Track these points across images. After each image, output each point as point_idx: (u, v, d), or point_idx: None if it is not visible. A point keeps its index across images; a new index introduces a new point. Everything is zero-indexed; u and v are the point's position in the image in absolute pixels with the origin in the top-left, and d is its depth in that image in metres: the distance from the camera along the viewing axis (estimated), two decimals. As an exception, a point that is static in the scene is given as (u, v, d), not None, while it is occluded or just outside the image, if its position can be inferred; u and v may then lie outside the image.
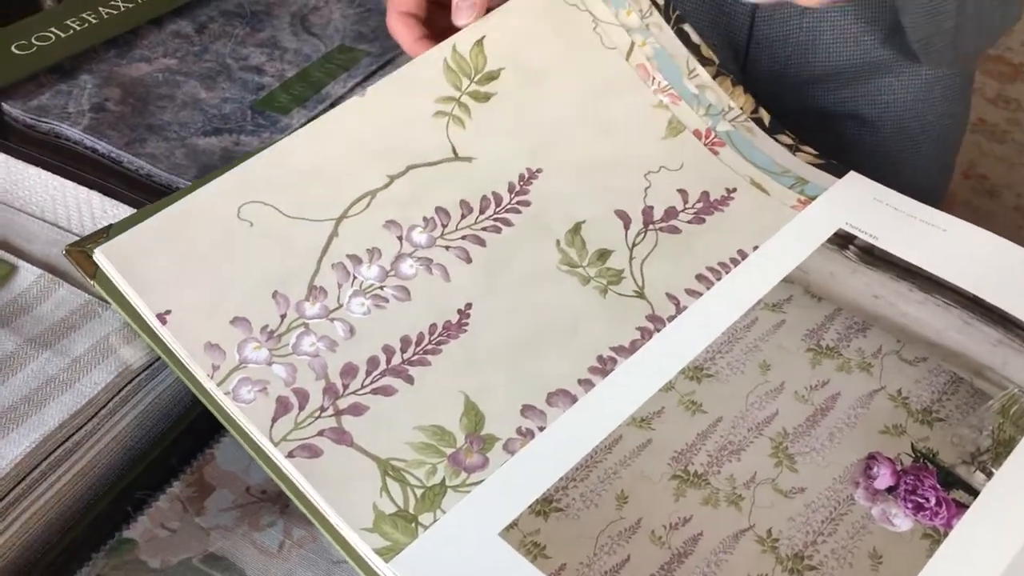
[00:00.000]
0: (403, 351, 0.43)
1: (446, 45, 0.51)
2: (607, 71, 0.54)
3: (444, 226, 0.47)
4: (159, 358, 0.44)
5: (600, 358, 0.44)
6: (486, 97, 0.51)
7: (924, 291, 0.48)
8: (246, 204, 0.45)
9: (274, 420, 0.41)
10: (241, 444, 0.41)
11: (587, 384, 0.44)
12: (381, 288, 0.45)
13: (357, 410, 0.42)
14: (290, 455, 0.40)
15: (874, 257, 0.49)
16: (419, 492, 0.40)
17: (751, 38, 0.68)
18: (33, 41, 0.63)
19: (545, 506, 0.40)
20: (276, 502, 0.44)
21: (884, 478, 0.41)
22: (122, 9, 0.66)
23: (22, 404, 0.41)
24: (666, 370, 0.44)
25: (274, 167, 0.46)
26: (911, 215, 0.51)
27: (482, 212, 0.48)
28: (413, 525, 0.39)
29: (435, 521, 0.39)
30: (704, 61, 0.55)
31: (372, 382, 0.42)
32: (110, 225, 0.46)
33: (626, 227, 0.49)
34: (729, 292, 0.47)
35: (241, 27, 0.69)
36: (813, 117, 0.63)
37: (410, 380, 0.43)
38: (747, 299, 0.47)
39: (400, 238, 0.46)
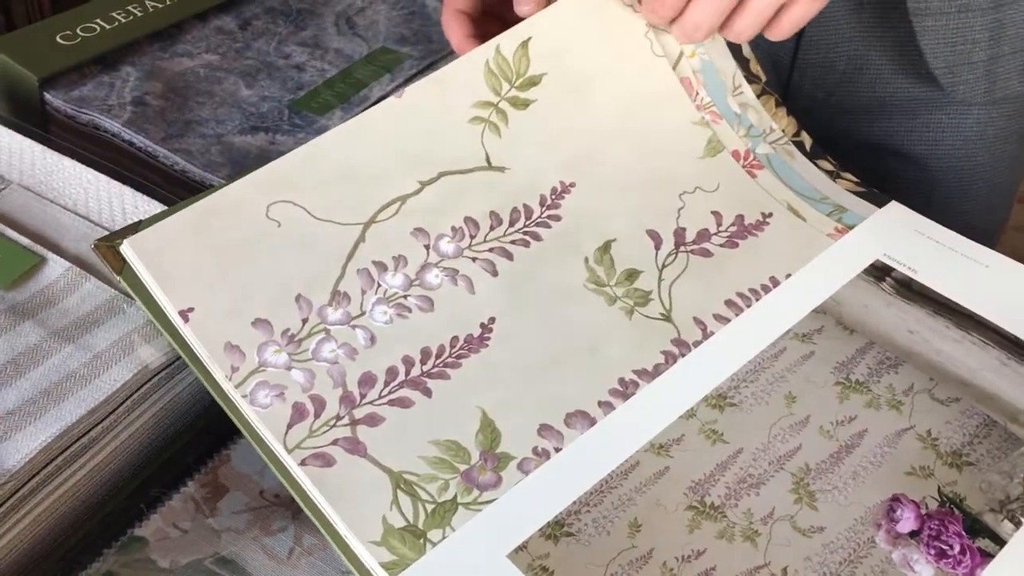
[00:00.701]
0: (423, 363, 0.43)
1: (490, 45, 0.50)
2: (652, 82, 0.53)
3: (472, 237, 0.47)
4: (179, 357, 0.44)
5: (622, 380, 0.44)
6: (525, 104, 0.50)
7: (961, 328, 0.46)
8: (275, 203, 0.45)
9: (289, 427, 0.40)
10: (255, 448, 0.41)
11: (607, 407, 0.43)
12: (405, 297, 0.44)
13: (373, 421, 0.41)
14: (303, 463, 0.40)
15: (911, 291, 0.48)
16: (430, 507, 0.39)
17: (795, 62, 0.66)
18: (78, 32, 0.63)
19: (556, 530, 0.39)
20: (289, 507, 0.44)
21: (907, 521, 0.40)
22: (167, 3, 0.67)
23: (41, 398, 0.41)
24: (688, 397, 0.43)
25: (306, 166, 0.46)
26: (952, 249, 0.49)
27: (511, 224, 0.47)
28: (421, 541, 0.38)
29: (444, 538, 0.39)
30: (751, 78, 0.54)
31: (390, 393, 0.42)
32: (139, 221, 0.46)
33: (657, 247, 0.48)
34: (758, 320, 0.46)
35: (285, 25, 0.69)
36: (855, 148, 0.61)
37: (428, 393, 0.42)
38: (776, 328, 0.46)
39: (427, 247, 0.46)
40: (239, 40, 0.67)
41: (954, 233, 0.50)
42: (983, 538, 0.39)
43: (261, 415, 0.40)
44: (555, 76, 0.51)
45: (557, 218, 0.48)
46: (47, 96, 0.60)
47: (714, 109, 0.53)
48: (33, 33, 0.63)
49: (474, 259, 0.46)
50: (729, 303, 0.47)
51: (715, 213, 0.50)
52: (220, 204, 0.45)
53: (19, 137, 0.53)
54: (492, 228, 0.47)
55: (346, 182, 0.46)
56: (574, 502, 0.40)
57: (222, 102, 0.62)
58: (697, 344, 0.45)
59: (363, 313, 0.44)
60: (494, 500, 0.40)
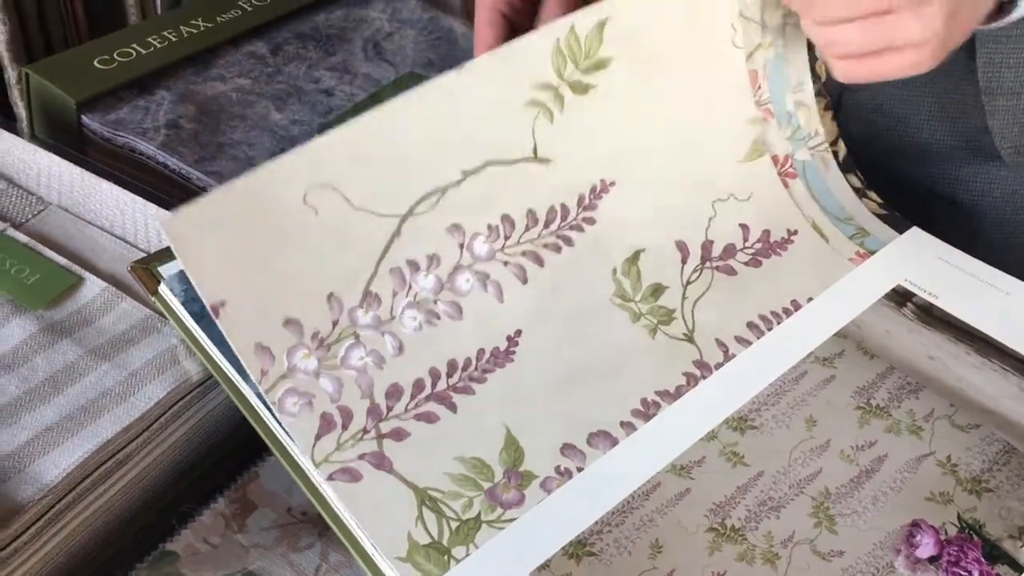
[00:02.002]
0: (449, 376, 0.43)
1: (565, 23, 0.46)
2: (720, 75, 0.51)
3: (507, 238, 0.46)
4: (212, 376, 0.45)
5: (644, 401, 0.44)
6: (585, 89, 0.47)
7: (982, 355, 0.46)
8: (314, 188, 0.42)
9: (317, 438, 0.41)
10: (283, 464, 0.42)
11: (629, 427, 0.43)
12: (435, 303, 0.44)
13: (399, 435, 0.42)
14: (330, 478, 0.40)
15: (932, 317, 0.48)
16: (454, 525, 0.40)
17: (841, 102, 0.65)
18: (115, 56, 0.65)
19: (578, 549, 0.40)
20: (316, 525, 0.45)
21: (927, 547, 0.40)
22: (202, 28, 0.68)
23: (79, 414, 0.43)
24: (710, 420, 0.44)
25: (350, 146, 0.43)
26: (974, 276, 0.50)
27: (546, 226, 0.47)
28: (446, 558, 0.39)
29: (468, 555, 0.39)
30: (816, 76, 0.53)
31: (416, 407, 0.42)
32: (173, 244, 0.47)
33: (683, 261, 0.48)
34: (780, 344, 0.47)
35: (315, 50, 0.70)
36: (899, 193, 0.60)
37: (453, 408, 0.43)
38: (797, 352, 0.46)
39: (461, 246, 0.45)
40: (270, 65, 0.68)
41: (975, 260, 0.51)
42: (1002, 564, 0.39)
43: (289, 424, 0.40)
44: (623, 61, 0.48)
45: (592, 220, 0.47)
46: (84, 119, 0.62)
47: (770, 107, 0.52)
48: (71, 57, 0.65)
49: (506, 263, 0.46)
50: (751, 325, 0.47)
51: (743, 226, 0.50)
52: (257, 186, 0.41)
53: (58, 159, 0.55)
54: (527, 228, 0.46)
55: (388, 166, 0.44)
56: (596, 522, 0.40)
57: (254, 125, 0.63)
58: (719, 366, 0.46)
59: (393, 318, 0.43)
60: (517, 518, 0.40)
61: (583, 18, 0.46)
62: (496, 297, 0.45)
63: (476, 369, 0.44)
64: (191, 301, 0.44)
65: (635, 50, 0.48)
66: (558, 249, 0.47)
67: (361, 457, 0.41)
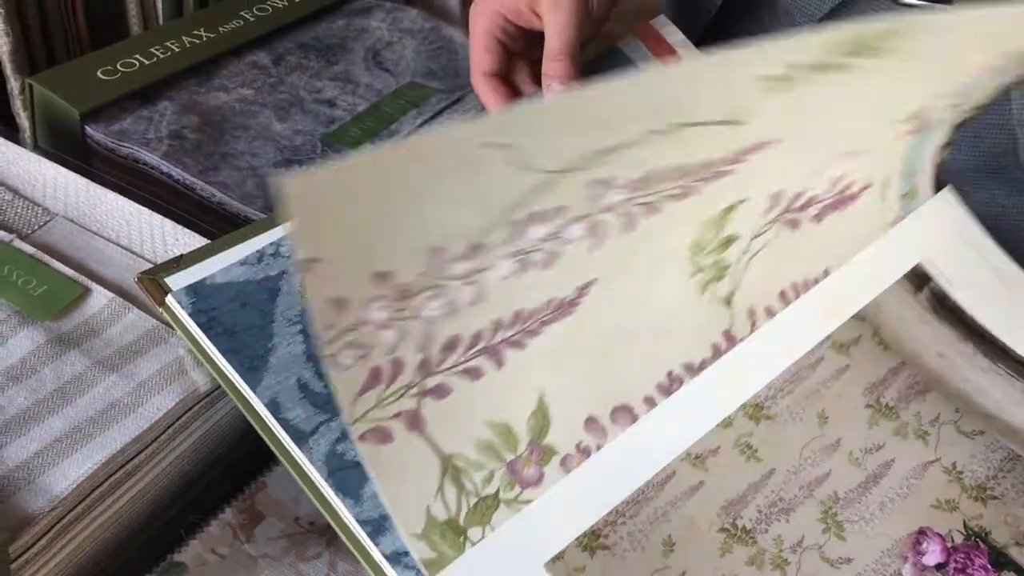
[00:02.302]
0: (510, 326, 0.40)
1: (850, 28, 0.39)
2: (960, 74, 0.46)
3: (641, 190, 0.41)
4: (219, 386, 0.45)
5: (669, 374, 0.43)
6: (837, 68, 0.41)
7: (988, 357, 0.47)
8: (483, 147, 0.36)
9: (360, 394, 0.37)
10: (289, 472, 0.41)
11: (650, 403, 0.42)
12: (535, 252, 0.39)
13: (441, 392, 0.39)
14: (362, 438, 0.37)
15: (945, 308, 0.48)
16: (472, 501, 0.38)
17: None
18: (118, 67, 0.65)
19: (592, 540, 0.39)
20: (324, 534, 0.45)
21: (934, 554, 0.40)
22: (204, 39, 0.68)
23: (87, 425, 0.43)
24: (728, 403, 0.42)
25: (537, 116, 0.37)
26: (991, 265, 0.49)
27: (683, 178, 0.42)
28: (461, 539, 0.38)
29: (483, 538, 0.38)
30: None
31: (467, 360, 0.39)
32: (181, 255, 0.47)
33: (767, 211, 0.45)
34: (802, 320, 0.45)
35: (316, 60, 0.70)
36: None
37: (499, 364, 0.40)
38: (819, 331, 0.45)
39: (595, 198, 0.40)
40: (273, 75, 0.68)
41: (995, 246, 0.50)
42: (1009, 571, 0.40)
43: (336, 379, 0.36)
44: (892, 54, 0.42)
45: (729, 172, 0.43)
46: (88, 129, 0.62)
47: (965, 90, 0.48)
48: (75, 68, 0.65)
49: (622, 213, 0.41)
50: (782, 295, 0.46)
51: (835, 180, 0.47)
52: (420, 146, 0.35)
53: (64, 170, 0.55)
54: (665, 180, 0.42)
55: (574, 130, 0.38)
56: (611, 512, 0.39)
57: (257, 135, 0.63)
58: (743, 340, 0.44)
59: (487, 268, 0.38)
60: (533, 500, 0.39)
61: (877, 27, 0.39)
62: (594, 246, 0.41)
63: (536, 321, 0.41)
64: (198, 312, 0.45)
65: (913, 52, 0.42)
66: (678, 199, 0.42)
67: (396, 416, 0.38)
